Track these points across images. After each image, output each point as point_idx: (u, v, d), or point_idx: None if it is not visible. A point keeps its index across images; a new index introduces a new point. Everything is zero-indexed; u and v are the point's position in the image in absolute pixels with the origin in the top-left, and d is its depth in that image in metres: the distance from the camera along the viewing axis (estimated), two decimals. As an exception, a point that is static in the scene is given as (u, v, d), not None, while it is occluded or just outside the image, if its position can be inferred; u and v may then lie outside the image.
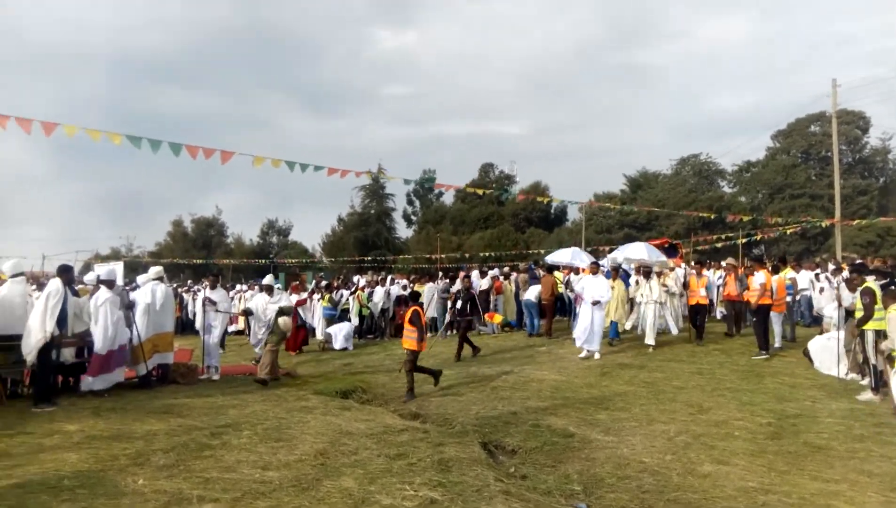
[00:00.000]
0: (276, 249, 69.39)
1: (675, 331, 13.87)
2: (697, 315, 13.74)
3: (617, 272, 14.37)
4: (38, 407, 8.03)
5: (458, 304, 14.64)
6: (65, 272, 8.67)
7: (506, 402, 9.12)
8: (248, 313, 12.19)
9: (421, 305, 10.56)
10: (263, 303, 11.64)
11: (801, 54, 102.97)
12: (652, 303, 13.06)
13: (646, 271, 13.66)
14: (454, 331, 16.07)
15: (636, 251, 15.11)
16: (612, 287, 13.20)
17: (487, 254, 45.82)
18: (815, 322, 15.55)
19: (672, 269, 16.28)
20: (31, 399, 8.41)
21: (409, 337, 9.88)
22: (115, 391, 9.34)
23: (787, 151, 51.16)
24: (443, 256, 40.60)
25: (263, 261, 53.16)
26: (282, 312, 11.13)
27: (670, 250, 19.47)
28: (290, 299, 13.60)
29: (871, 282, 8.95)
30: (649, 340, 12.90)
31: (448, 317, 16.74)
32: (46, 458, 6.01)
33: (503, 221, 61.28)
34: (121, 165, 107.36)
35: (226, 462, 6.04)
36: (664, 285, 13.68)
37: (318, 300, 17.73)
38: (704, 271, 15.77)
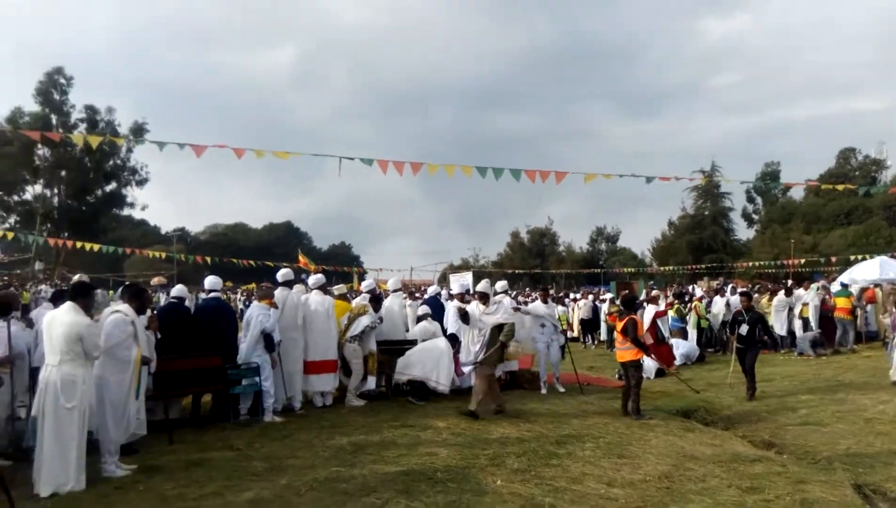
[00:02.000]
0: (604, 256, 69.95)
1: None
2: None
3: None
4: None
5: (742, 328, 10.87)
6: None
7: (886, 438, 7.74)
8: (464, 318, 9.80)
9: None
10: (478, 313, 9.48)
11: None
12: None
13: None
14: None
15: (867, 271, 11.12)
16: None
17: (852, 256, 39.29)
18: None
19: None
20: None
21: (622, 348, 9.24)
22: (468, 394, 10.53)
23: None
24: (795, 261, 35.97)
25: (595, 270, 53.99)
26: (508, 336, 8.98)
27: None
28: (509, 311, 9.82)
29: None
30: None
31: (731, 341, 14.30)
32: (423, 451, 7.05)
33: (871, 214, 51.91)
34: (470, 185, 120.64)
35: (572, 472, 6.32)
36: None
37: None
38: None
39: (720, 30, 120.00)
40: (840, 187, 19.68)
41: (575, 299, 24.99)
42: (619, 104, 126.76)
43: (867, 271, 14.79)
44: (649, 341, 15.50)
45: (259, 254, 44.42)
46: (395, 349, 10.15)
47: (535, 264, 61.59)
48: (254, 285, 37.46)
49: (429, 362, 9.66)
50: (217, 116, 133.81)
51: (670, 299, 18.49)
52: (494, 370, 9.20)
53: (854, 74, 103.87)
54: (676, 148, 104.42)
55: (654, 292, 21.56)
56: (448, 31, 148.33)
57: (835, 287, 16.69)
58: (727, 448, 7.39)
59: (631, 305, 9.96)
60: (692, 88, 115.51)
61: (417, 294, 22.24)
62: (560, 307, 17.79)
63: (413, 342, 10.39)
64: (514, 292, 30.54)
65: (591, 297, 23.32)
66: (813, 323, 16.83)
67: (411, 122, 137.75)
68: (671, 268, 49.96)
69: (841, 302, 15.89)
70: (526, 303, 13.83)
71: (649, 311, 14.61)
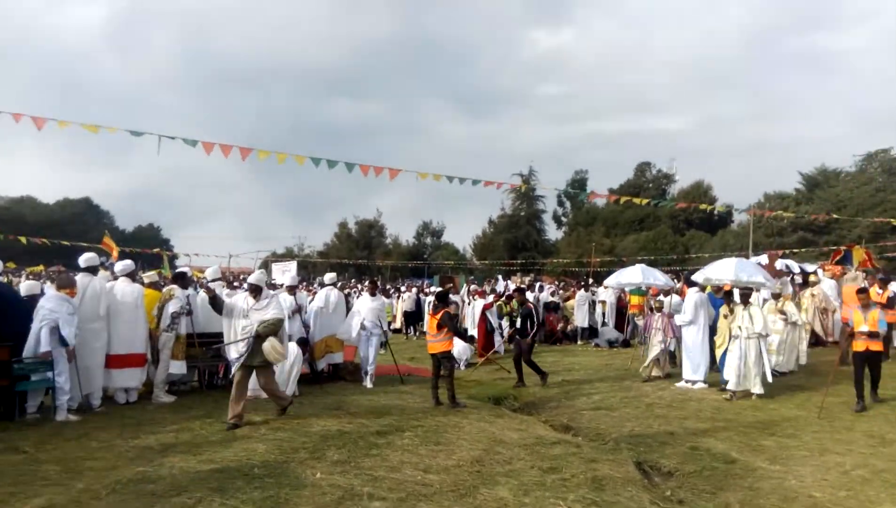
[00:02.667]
0: (429, 250, 71.94)
1: (769, 377, 10.31)
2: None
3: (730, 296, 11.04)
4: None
5: (518, 323, 12.22)
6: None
7: (662, 420, 8.90)
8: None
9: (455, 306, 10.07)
10: (245, 308, 7.96)
11: None
12: (754, 337, 10.14)
13: (743, 293, 10.56)
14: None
15: (722, 270, 11.31)
16: (725, 315, 10.80)
17: (641, 257, 44.25)
18: None
19: (805, 287, 14.49)
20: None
21: (434, 340, 9.49)
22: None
23: None
24: (596, 260, 39.77)
25: (419, 263, 55.32)
26: (268, 329, 7.79)
27: (845, 258, 17.40)
28: (284, 308, 9.30)
29: None
30: (756, 388, 10.06)
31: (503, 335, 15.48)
32: (239, 447, 6.84)
33: (660, 222, 58.81)
34: (300, 171, 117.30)
35: (391, 461, 6.52)
36: (781, 313, 11.78)
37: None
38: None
39: (547, 42, 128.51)
40: (637, 200, 22.08)
41: (399, 292, 25.46)
42: (455, 103, 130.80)
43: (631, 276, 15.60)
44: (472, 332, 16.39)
45: (50, 232, 39.57)
46: (212, 341, 9.68)
47: (361, 256, 61.67)
48: (42, 267, 33.44)
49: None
50: (11, 73, 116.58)
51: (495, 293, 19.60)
52: (271, 369, 8.13)
53: (656, 96, 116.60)
54: (503, 150, 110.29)
55: (485, 287, 22.73)
56: (291, 10, 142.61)
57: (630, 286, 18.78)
58: (531, 432, 8.05)
59: (444, 299, 10.34)
60: (521, 95, 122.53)
61: (237, 283, 21.34)
62: (385, 300, 18.01)
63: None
64: (340, 283, 30.34)
65: (414, 290, 23.91)
66: (609, 319, 18.84)
67: (244, 99, 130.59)
68: (489, 263, 52.75)
69: (635, 300, 17.87)
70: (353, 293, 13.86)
71: (478, 304, 15.57)
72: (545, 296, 20.04)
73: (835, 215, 37.91)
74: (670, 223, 58.33)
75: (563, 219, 73.24)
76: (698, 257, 40.72)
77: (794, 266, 17.20)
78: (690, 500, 5.94)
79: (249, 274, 11.74)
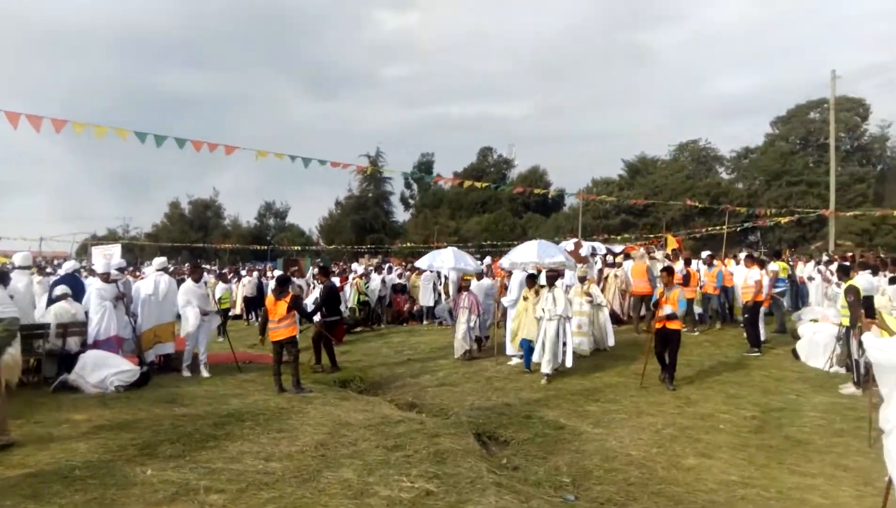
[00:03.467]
0: (273, 231, 69.54)
1: (569, 360, 10.17)
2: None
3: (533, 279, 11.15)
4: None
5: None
6: None
7: (500, 393, 9.39)
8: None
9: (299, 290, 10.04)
10: None
11: (805, 38, 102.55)
12: (555, 319, 10.04)
13: (550, 275, 10.59)
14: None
15: (525, 253, 11.51)
16: (526, 297, 10.92)
17: (485, 239, 46.07)
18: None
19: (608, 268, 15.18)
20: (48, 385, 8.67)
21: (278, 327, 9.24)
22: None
23: (786, 137, 51.30)
24: (443, 244, 40.77)
25: (262, 246, 53.28)
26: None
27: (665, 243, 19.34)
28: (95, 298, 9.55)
29: (856, 280, 9.20)
30: (545, 368, 9.95)
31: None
32: (57, 448, 6.23)
33: (501, 205, 61.43)
34: (124, 146, 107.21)
35: (230, 452, 6.28)
36: (587, 295, 11.90)
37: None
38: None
39: (393, 23, 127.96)
40: (479, 184, 22.88)
41: (239, 276, 24.36)
42: (300, 80, 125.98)
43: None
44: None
45: None
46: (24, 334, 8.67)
47: (196, 238, 58.14)
48: None
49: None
50: None
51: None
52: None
53: (498, 83, 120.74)
54: (350, 130, 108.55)
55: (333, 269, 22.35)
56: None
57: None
58: (377, 412, 8.13)
59: (285, 283, 10.09)
60: (368, 75, 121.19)
61: (49, 270, 19.28)
62: (223, 285, 17.13)
63: (44, 327, 9.00)
64: (172, 268, 28.44)
65: (256, 274, 22.99)
66: (452, 296, 19.37)
67: (62, 62, 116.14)
68: (336, 246, 52.12)
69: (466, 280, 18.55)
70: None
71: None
72: (393, 278, 20.23)
73: (651, 200, 41.90)
74: (510, 206, 61.13)
75: (411, 201, 74.16)
76: (536, 238, 43.17)
77: (601, 248, 18.32)
78: (524, 466, 6.35)
79: (66, 259, 10.62)
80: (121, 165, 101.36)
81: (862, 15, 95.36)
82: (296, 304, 9.23)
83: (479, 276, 14.54)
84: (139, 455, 6.10)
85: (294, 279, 16.99)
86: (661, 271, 10.59)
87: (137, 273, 22.78)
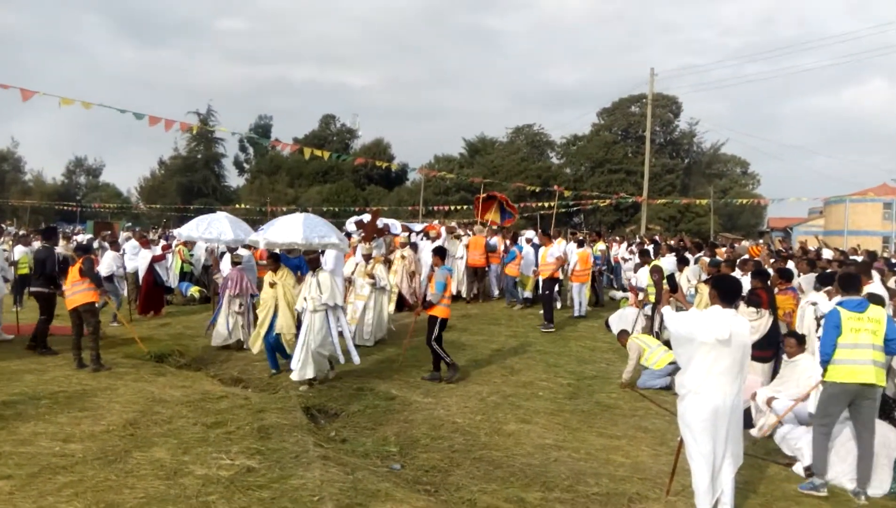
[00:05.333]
0: (84, 190, 62.86)
1: (355, 357, 8.33)
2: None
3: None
4: None
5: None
6: None
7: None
8: None
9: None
10: None
11: (633, 36, 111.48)
12: (322, 310, 8.04)
13: (312, 258, 8.48)
14: None
15: (289, 231, 8.65)
16: (272, 283, 8.76)
17: (326, 209, 45.15)
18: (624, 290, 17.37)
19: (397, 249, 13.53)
20: None
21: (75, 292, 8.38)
22: None
23: (610, 128, 55.67)
24: (282, 208, 39.34)
25: (70, 205, 47.98)
26: None
27: (503, 213, 18.87)
28: None
29: (661, 260, 10.18)
30: (308, 372, 7.91)
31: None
32: None
33: (343, 176, 60.49)
34: None
35: (21, 434, 5.61)
36: (370, 277, 10.40)
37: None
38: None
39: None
40: (319, 152, 22.08)
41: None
42: (118, 24, 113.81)
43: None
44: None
45: None
46: None
47: (-10, 194, 50.99)
48: None
49: None
50: None
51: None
52: None
53: (345, 50, 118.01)
54: (177, 84, 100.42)
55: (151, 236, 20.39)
56: None
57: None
58: (197, 388, 7.62)
59: (88, 250, 9.10)
60: (198, 25, 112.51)
61: None
62: (22, 248, 15.05)
63: None
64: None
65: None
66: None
67: None
68: (159, 208, 48.27)
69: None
70: None
71: (144, 255, 13.79)
72: (222, 246, 19.06)
73: (489, 180, 43.53)
74: (353, 178, 60.42)
75: (246, 166, 70.55)
76: (378, 211, 43.04)
77: (396, 226, 16.49)
78: (353, 437, 6.29)
79: None
80: None
81: (683, 22, 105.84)
82: (87, 269, 8.34)
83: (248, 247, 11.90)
84: None
85: (105, 244, 15.44)
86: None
87: None
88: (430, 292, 8.70)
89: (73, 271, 8.38)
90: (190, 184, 58.61)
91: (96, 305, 8.64)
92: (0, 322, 10.34)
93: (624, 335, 9.24)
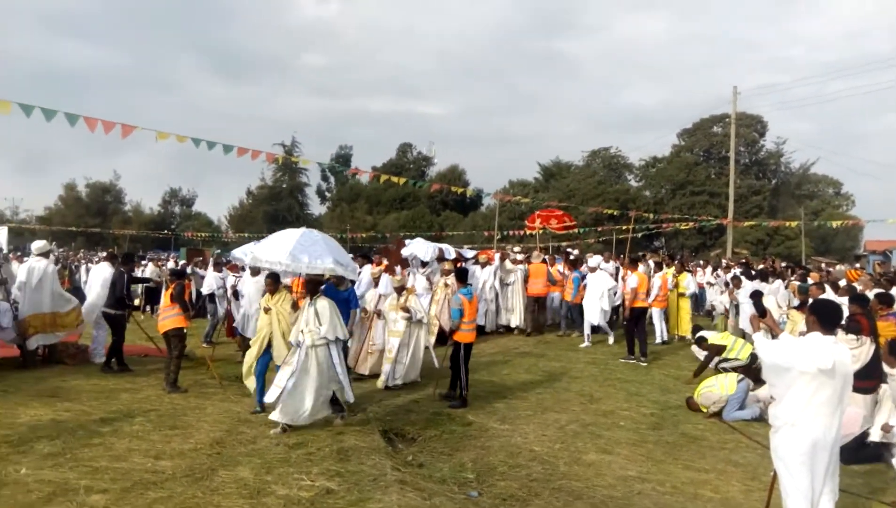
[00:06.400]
0: (178, 219, 66.54)
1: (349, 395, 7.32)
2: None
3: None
4: None
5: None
6: None
7: (409, 389, 9.28)
8: None
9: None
10: None
11: (712, 56, 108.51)
12: (322, 344, 6.93)
13: (311, 279, 7.31)
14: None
15: (274, 249, 7.14)
16: (266, 309, 7.76)
17: (403, 235, 45.87)
18: (708, 315, 16.70)
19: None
20: None
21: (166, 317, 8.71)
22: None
23: (691, 149, 53.97)
24: (361, 234, 40.34)
25: (164, 233, 50.87)
26: None
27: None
28: None
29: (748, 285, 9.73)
30: (282, 416, 6.74)
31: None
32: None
33: (419, 202, 61.40)
34: (10, 123, 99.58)
35: (116, 450, 5.88)
36: (404, 310, 9.19)
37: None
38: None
39: (313, 10, 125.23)
40: (396, 179, 22.61)
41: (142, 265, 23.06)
42: (211, 61, 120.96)
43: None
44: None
45: None
46: None
47: (94, 223, 54.74)
48: None
49: None
50: None
51: None
52: None
53: (419, 81, 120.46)
54: (263, 116, 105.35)
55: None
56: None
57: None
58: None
59: (181, 275, 9.64)
60: (283, 61, 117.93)
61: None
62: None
63: None
64: (60, 253, 26.84)
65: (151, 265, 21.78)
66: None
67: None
68: (247, 236, 50.40)
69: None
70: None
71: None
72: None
73: (565, 204, 43.08)
74: (428, 203, 61.20)
75: (327, 194, 72.81)
76: (453, 236, 43.32)
77: (450, 252, 14.85)
78: (429, 462, 6.27)
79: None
80: (9, 141, 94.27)
81: (763, 39, 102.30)
82: (178, 294, 8.75)
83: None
84: (13, 452, 5.65)
85: (196, 270, 16.24)
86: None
87: (25, 259, 21.14)
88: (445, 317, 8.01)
89: (166, 297, 8.80)
90: (275, 212, 60.97)
91: (184, 330, 8.98)
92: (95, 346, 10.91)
93: (703, 341, 9.65)
